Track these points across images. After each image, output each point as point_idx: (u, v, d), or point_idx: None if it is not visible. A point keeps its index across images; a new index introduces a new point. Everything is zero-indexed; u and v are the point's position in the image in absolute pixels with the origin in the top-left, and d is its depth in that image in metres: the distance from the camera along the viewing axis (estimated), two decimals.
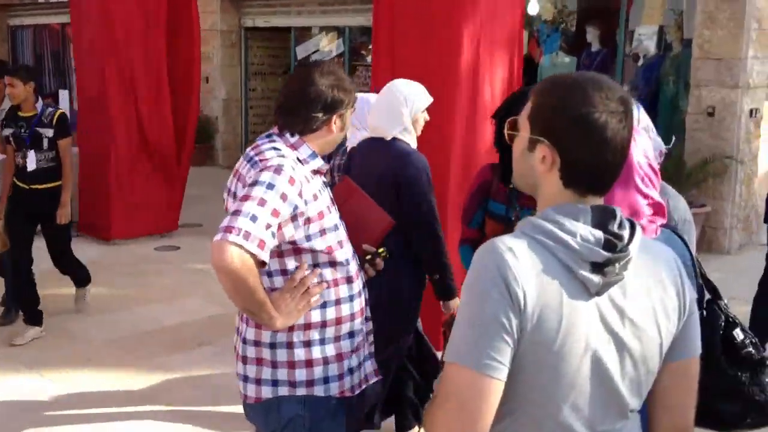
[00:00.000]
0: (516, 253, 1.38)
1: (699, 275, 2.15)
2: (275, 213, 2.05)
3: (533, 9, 10.78)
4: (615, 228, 1.42)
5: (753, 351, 2.06)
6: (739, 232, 7.82)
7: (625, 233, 1.43)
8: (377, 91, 3.72)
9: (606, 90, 1.43)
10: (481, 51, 5.00)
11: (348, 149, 3.88)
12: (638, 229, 1.46)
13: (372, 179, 3.34)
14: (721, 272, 6.94)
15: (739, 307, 6.07)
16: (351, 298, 2.33)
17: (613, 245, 1.40)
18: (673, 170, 7.15)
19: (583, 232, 1.40)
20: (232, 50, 13.11)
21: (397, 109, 3.35)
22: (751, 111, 7.63)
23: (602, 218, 1.43)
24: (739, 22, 7.45)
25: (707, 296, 2.18)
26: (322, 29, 12.68)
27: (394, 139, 3.36)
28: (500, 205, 3.01)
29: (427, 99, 3.46)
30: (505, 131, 1.60)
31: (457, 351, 1.38)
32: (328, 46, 12.61)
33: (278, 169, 2.11)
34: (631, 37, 9.63)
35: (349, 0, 11.49)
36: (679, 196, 2.42)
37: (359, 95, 4.15)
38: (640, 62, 9.57)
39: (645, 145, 2.08)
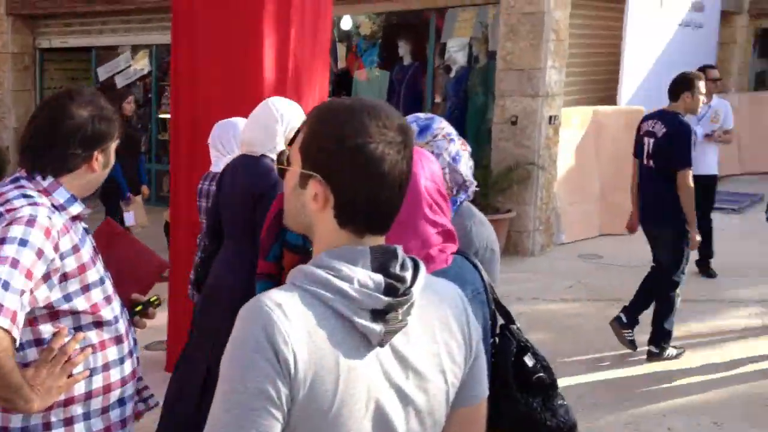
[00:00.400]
0: (286, 311, 1.22)
1: (492, 301, 2.10)
2: (29, 275, 1.74)
3: (346, 24, 10.85)
4: (397, 269, 1.30)
5: (544, 376, 2.03)
6: (542, 234, 8.20)
7: (408, 274, 1.32)
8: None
9: (383, 118, 1.30)
10: (289, 68, 4.88)
11: (218, 174, 3.73)
12: (422, 270, 1.36)
13: (237, 198, 3.26)
14: (527, 273, 7.26)
15: (542, 306, 6.38)
16: (121, 361, 2.04)
17: (395, 289, 1.28)
18: (480, 179, 7.38)
19: (362, 277, 1.26)
20: (25, 74, 12.24)
21: (272, 127, 3.26)
22: (550, 118, 8.02)
23: (383, 260, 1.30)
24: (539, 34, 7.81)
25: (500, 322, 2.14)
26: (128, 48, 12.10)
27: (263, 156, 3.26)
28: (297, 235, 2.86)
29: (303, 119, 3.34)
30: (275, 165, 1.47)
31: None
32: (134, 65, 12.04)
33: (31, 221, 1.79)
34: (443, 49, 9.91)
35: (155, 17, 11.00)
36: (485, 222, 2.35)
37: (226, 120, 4.01)
38: (452, 74, 9.86)
39: (433, 169, 2.00)
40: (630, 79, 9.10)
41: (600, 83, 9.59)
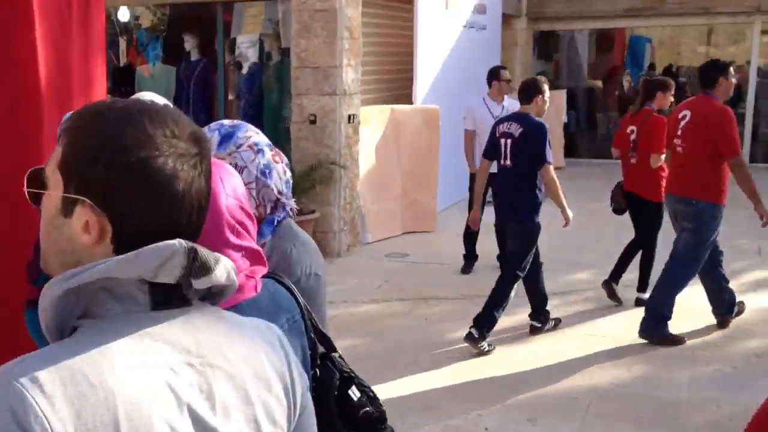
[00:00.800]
0: (43, 385, 0.91)
1: (311, 329, 1.83)
2: None
3: (124, 15, 10.14)
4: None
5: (371, 409, 1.80)
6: (347, 234, 8.06)
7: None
8: None
9: (171, 125, 1.04)
10: (56, 66, 4.30)
11: None
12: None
13: None
14: (335, 275, 7.09)
15: (353, 308, 6.24)
16: None
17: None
18: None
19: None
20: None
21: None
22: (349, 117, 7.89)
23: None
24: (333, 32, 7.64)
25: (321, 350, 1.88)
26: None
27: None
28: None
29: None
30: (25, 189, 1.09)
31: None
32: None
33: None
34: (233, 45, 9.52)
35: None
36: (309, 243, 2.06)
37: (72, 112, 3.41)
38: (245, 71, 9.52)
39: (234, 183, 1.68)
40: (424, 78, 9.21)
41: (395, 82, 9.64)
